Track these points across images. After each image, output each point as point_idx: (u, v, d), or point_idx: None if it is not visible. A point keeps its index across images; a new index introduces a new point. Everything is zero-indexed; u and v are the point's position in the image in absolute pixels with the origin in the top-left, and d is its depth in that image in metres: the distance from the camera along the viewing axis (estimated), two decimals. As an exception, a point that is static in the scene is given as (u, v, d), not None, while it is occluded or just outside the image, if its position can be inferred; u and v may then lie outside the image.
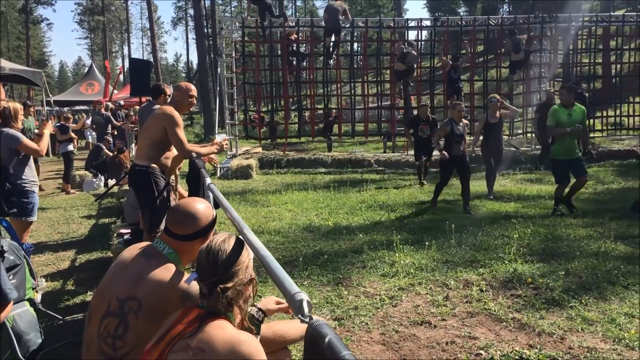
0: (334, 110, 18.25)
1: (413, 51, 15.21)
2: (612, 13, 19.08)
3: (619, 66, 18.91)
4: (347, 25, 16.07)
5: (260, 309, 2.25)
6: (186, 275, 2.08)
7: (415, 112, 12.95)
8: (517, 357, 3.50)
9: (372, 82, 19.78)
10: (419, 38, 17.74)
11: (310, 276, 5.23)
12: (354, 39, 20.81)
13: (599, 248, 5.94)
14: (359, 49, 23.98)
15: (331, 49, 16.24)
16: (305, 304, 1.13)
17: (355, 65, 24.41)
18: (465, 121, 8.89)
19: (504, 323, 4.09)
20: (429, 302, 4.53)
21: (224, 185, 11.73)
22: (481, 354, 3.58)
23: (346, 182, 11.14)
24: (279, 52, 16.94)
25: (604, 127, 17.32)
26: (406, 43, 15.52)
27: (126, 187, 7.70)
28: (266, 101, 21.60)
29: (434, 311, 4.34)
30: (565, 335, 3.84)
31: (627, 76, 19.02)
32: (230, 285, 1.78)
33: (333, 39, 16.03)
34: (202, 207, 2.34)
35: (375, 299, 4.62)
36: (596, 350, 3.59)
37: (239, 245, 1.89)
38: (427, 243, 6.11)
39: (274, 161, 14.31)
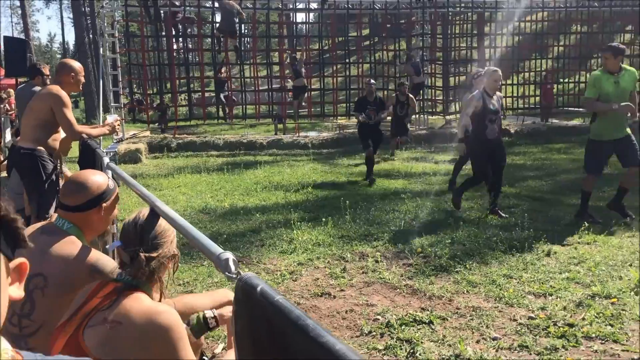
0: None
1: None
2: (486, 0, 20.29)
3: (492, 50, 20.20)
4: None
5: (215, 316, 2.21)
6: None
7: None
8: (411, 320, 3.75)
9: (261, 64, 19.71)
10: (307, 21, 17.96)
11: (209, 257, 5.22)
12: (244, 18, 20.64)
13: (479, 218, 6.43)
14: (247, 31, 23.83)
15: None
16: (231, 262, 1.19)
17: (243, 48, 24.26)
18: (499, 93, 6.61)
19: (398, 290, 4.34)
20: (328, 275, 4.71)
21: (111, 170, 11.28)
22: (378, 319, 3.79)
23: (240, 165, 11.13)
24: (164, 32, 16.46)
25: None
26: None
27: (4, 173, 7.23)
28: (152, 83, 20.94)
29: (333, 283, 4.51)
30: (453, 297, 4.15)
31: (501, 60, 20.36)
32: (155, 255, 1.78)
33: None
34: (93, 176, 2.28)
35: (276, 274, 4.72)
36: (480, 309, 3.92)
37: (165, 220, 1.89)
38: (323, 220, 6.30)
39: (164, 145, 13.95)
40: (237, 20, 15.08)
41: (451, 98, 18.53)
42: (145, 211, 1.87)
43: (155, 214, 1.84)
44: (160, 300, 1.83)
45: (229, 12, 14.72)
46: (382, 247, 5.41)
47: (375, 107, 9.48)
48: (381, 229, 6.03)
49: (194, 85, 20.23)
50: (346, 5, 16.76)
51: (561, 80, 19.83)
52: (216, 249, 1.28)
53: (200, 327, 2.18)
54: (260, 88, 18.50)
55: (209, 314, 2.20)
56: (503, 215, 6.43)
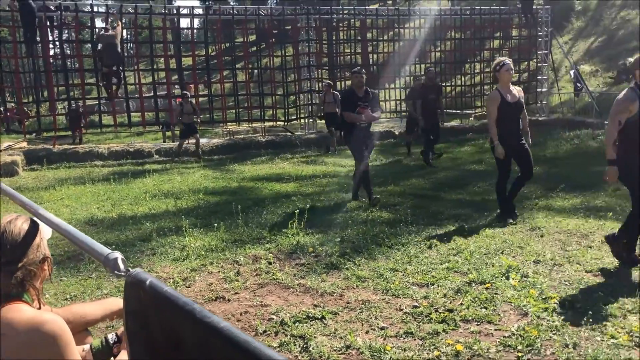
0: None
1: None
2: (367, 7, 21.07)
3: (375, 56, 20.97)
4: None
5: (117, 334, 2.15)
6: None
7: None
8: (304, 316, 3.87)
9: (146, 70, 19.20)
10: (192, 26, 17.72)
11: (97, 269, 5.08)
12: (123, 26, 19.99)
13: (368, 217, 6.71)
14: (129, 36, 23.11)
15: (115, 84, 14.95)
16: (120, 261, 1.23)
17: (126, 54, 23.47)
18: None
19: (292, 289, 4.46)
20: (222, 279, 4.73)
21: (-15, 185, 10.55)
22: (273, 318, 3.88)
23: (127, 174, 10.81)
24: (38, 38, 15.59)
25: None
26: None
27: None
28: (27, 91, 19.74)
29: (227, 287, 4.55)
30: (343, 293, 4.32)
31: (383, 65, 21.19)
32: (19, 265, 1.75)
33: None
34: None
35: (169, 282, 4.68)
36: (369, 302, 4.12)
37: (27, 225, 1.85)
38: (215, 225, 6.29)
39: (44, 156, 13.22)
40: (119, 49, 14.39)
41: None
42: (2, 221, 1.83)
43: (30, 222, 1.81)
44: (39, 308, 1.80)
45: (111, 45, 14.00)
46: (274, 248, 5.51)
47: (366, 103, 7.45)
48: (274, 231, 6.13)
49: (74, 93, 19.32)
50: (231, 11, 16.74)
51: (441, 83, 20.96)
52: (103, 249, 1.31)
53: (103, 349, 2.14)
54: (146, 95, 17.99)
55: (110, 335, 2.17)
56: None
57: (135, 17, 16.18)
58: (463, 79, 19.96)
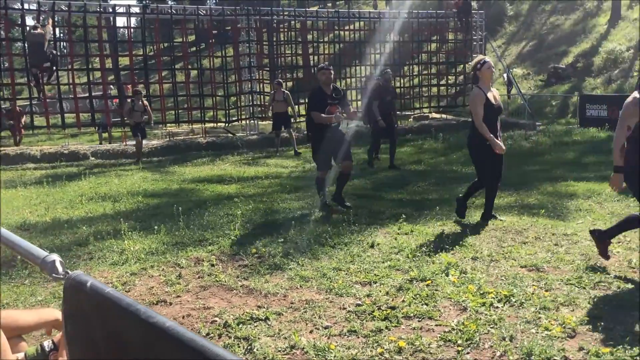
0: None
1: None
2: (307, 9, 21.15)
3: (316, 57, 21.06)
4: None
5: (53, 342, 2.04)
6: None
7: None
8: (248, 318, 3.85)
9: (81, 70, 18.60)
10: (129, 25, 17.33)
11: (31, 275, 4.88)
12: (56, 24, 19.33)
13: (310, 217, 6.73)
14: (62, 35, 22.36)
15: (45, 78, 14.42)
16: (58, 264, 1.19)
17: (60, 53, 22.69)
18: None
19: (235, 291, 4.42)
20: (163, 282, 4.64)
21: None
22: (216, 321, 3.84)
23: (61, 177, 10.44)
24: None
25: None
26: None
27: None
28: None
29: (169, 290, 4.47)
30: (287, 293, 4.32)
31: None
32: None
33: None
34: None
35: (108, 286, 4.55)
36: (313, 301, 4.13)
37: None
38: (155, 228, 6.17)
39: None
40: (47, 49, 13.82)
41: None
42: None
43: None
44: None
45: (38, 44, 13.50)
46: (217, 250, 5.45)
47: (336, 101, 6.88)
48: (216, 233, 6.06)
49: (3, 93, 18.52)
50: (170, 11, 16.45)
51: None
52: (40, 252, 1.27)
53: (38, 356, 2.06)
54: (81, 96, 17.45)
55: (46, 343, 2.09)
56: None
57: (68, 15, 15.65)
58: (402, 81, 20.30)
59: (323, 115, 6.76)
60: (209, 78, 18.33)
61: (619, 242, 5.27)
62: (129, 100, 14.07)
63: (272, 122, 14.52)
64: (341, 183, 7.16)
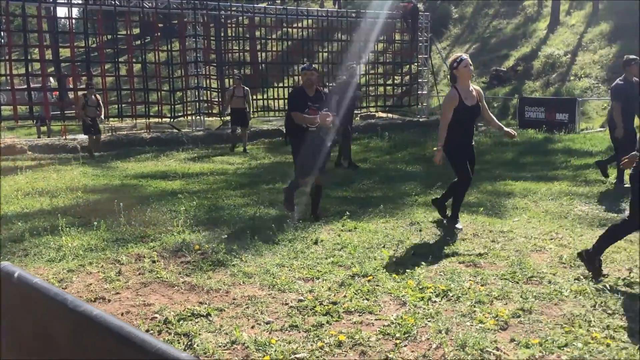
0: None
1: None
2: (255, 5, 21.04)
3: (264, 54, 21.02)
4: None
5: None
6: None
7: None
8: (189, 314, 3.83)
9: (19, 61, 17.94)
10: (70, 16, 16.82)
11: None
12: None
13: (255, 213, 6.73)
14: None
15: None
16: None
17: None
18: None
19: (176, 287, 4.38)
20: (102, 279, 4.55)
21: None
22: (156, 317, 3.80)
23: (-4, 171, 10.05)
24: None
25: (255, 110, 19.13)
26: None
27: None
28: None
29: (108, 287, 4.39)
30: (229, 289, 4.32)
31: (271, 63, 21.29)
32: None
33: None
34: None
35: (44, 284, 4.43)
36: (255, 297, 4.14)
37: None
38: (95, 224, 6.03)
39: None
40: None
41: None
42: None
43: None
44: None
45: None
46: (159, 247, 5.38)
47: (317, 104, 6.39)
48: (158, 229, 5.98)
49: None
50: (113, 2, 16.04)
51: (327, 84, 21.39)
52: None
53: None
54: (19, 87, 16.84)
55: None
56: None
57: (6, 4, 15.05)
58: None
59: (305, 115, 6.26)
60: (154, 72, 17.97)
61: (552, 239, 5.49)
62: (81, 94, 13.63)
63: (230, 118, 14.15)
64: (317, 197, 6.69)
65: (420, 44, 20.00)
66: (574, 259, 4.77)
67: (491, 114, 6.07)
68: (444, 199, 6.31)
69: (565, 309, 3.76)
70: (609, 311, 3.70)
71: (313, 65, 7.05)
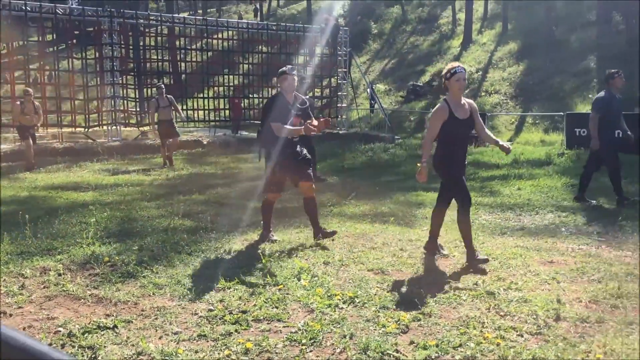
0: None
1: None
2: (175, 15, 20.81)
3: (184, 64, 20.77)
4: None
5: None
6: None
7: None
8: (94, 327, 3.76)
9: None
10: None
11: None
12: None
13: (169, 225, 6.67)
14: None
15: None
16: None
17: None
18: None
19: (83, 300, 4.29)
20: (3, 293, 4.39)
21: None
22: (60, 331, 3.72)
23: None
24: None
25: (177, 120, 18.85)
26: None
27: None
28: None
29: (9, 301, 4.24)
30: (138, 301, 4.28)
31: (192, 74, 21.08)
32: None
33: None
34: None
35: (-62, 300, 4.23)
36: (165, 308, 4.13)
37: None
38: (-2, 237, 5.80)
39: None
40: None
41: (146, 109, 18.50)
42: None
43: None
44: None
45: None
46: (66, 260, 5.24)
47: (299, 112, 5.88)
48: (66, 241, 5.82)
49: None
50: (24, 7, 15.42)
51: (249, 95, 21.43)
52: None
53: None
54: None
55: None
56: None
57: None
58: (271, 91, 20.57)
59: (289, 127, 5.65)
60: (67, 80, 17.38)
61: (456, 247, 5.78)
62: (17, 102, 12.86)
63: (158, 131, 12.94)
64: (311, 211, 6.05)
65: (339, 58, 20.41)
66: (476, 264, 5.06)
67: (486, 130, 5.48)
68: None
69: (462, 312, 3.99)
70: (502, 313, 3.96)
71: (293, 69, 6.15)
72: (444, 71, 5.24)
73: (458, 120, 5.10)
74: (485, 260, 5.09)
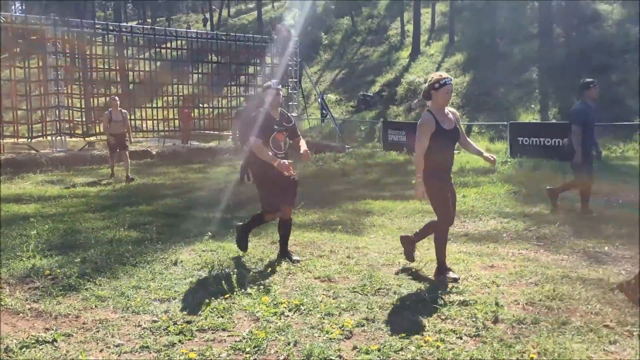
0: None
1: None
2: (123, 24, 20.50)
3: (133, 74, 20.43)
4: None
5: None
6: None
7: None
8: (33, 341, 3.67)
9: None
10: None
11: None
12: None
13: (114, 236, 6.56)
14: None
15: None
16: None
17: None
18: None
19: (21, 314, 4.18)
20: (-64, 310, 4.23)
21: None
22: (-5, 347, 3.61)
23: None
24: None
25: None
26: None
27: None
28: None
29: (-58, 318, 4.09)
30: (80, 314, 4.19)
31: (140, 83, 20.75)
32: None
33: None
34: None
35: None
36: (107, 321, 4.06)
37: None
38: None
39: None
40: None
41: (93, 119, 18.12)
42: None
43: None
44: None
45: None
46: (5, 273, 5.08)
47: (284, 128, 5.60)
48: (5, 255, 5.65)
49: None
50: (-37, 14, 14.95)
51: (199, 105, 21.25)
52: None
53: None
54: None
55: None
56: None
57: None
58: (222, 101, 20.49)
59: (270, 154, 5.36)
60: (11, 90, 16.87)
61: (401, 254, 5.86)
62: None
63: (109, 145, 12.50)
64: (284, 233, 5.75)
65: (290, 68, 20.50)
66: (418, 271, 5.17)
67: (468, 139, 5.28)
68: (417, 238, 5.41)
69: (405, 317, 4.07)
70: (443, 317, 4.06)
71: (278, 83, 5.88)
72: (431, 81, 4.94)
73: (445, 131, 4.89)
74: (455, 280, 4.90)
